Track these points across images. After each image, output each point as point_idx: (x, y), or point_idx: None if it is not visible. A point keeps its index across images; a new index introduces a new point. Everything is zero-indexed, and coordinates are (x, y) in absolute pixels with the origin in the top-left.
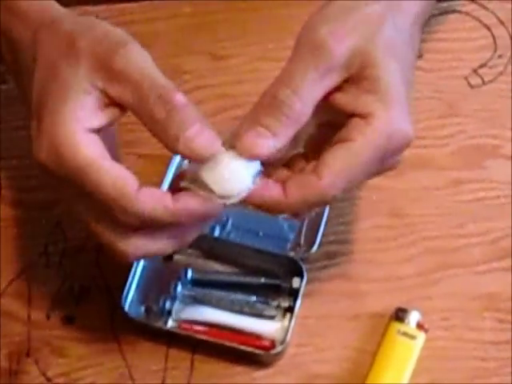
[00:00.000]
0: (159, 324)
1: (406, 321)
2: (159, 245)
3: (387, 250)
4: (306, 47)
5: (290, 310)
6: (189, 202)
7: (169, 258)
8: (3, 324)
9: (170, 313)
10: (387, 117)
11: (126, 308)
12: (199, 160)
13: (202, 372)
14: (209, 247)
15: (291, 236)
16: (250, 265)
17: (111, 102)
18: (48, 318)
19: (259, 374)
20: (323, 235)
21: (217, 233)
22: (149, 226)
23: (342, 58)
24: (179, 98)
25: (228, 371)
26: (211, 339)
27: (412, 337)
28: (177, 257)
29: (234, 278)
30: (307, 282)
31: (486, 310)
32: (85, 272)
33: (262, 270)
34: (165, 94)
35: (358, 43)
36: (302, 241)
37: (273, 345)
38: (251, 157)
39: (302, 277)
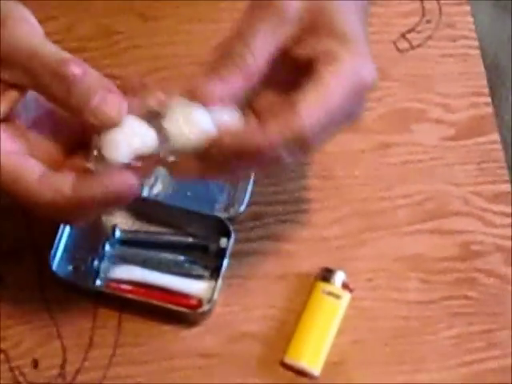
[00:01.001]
0: (87, 283)
1: (332, 281)
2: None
3: (315, 212)
4: (256, 3)
5: (218, 269)
6: (90, 189)
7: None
8: None
9: (98, 272)
10: (350, 53)
11: (54, 267)
12: (110, 126)
13: (130, 331)
14: (137, 207)
15: (219, 197)
16: (178, 225)
17: (7, 86)
18: None
19: (187, 332)
20: (251, 196)
21: (145, 193)
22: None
23: (293, 11)
24: (74, 69)
25: (156, 330)
26: (139, 298)
27: (337, 296)
28: (105, 216)
29: (163, 238)
30: (235, 243)
31: (411, 270)
32: (13, 231)
33: (191, 231)
34: (59, 70)
35: None
36: (230, 201)
37: (200, 304)
38: (201, 97)
39: (229, 237)
